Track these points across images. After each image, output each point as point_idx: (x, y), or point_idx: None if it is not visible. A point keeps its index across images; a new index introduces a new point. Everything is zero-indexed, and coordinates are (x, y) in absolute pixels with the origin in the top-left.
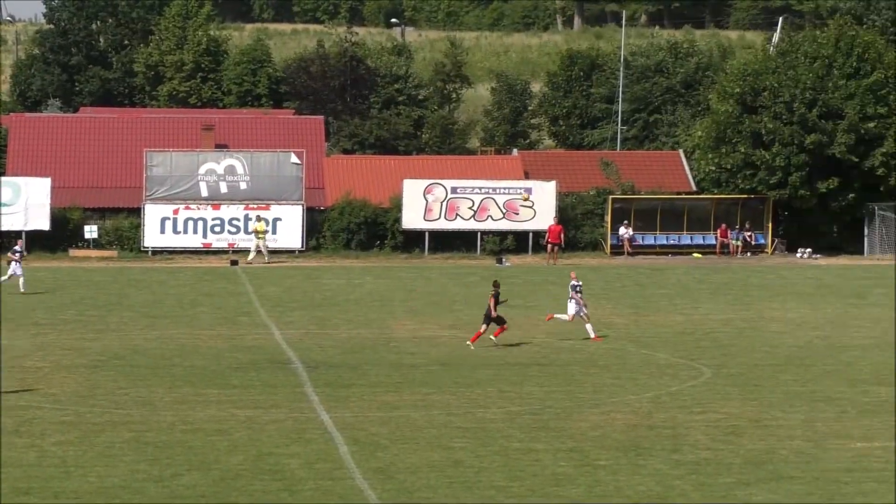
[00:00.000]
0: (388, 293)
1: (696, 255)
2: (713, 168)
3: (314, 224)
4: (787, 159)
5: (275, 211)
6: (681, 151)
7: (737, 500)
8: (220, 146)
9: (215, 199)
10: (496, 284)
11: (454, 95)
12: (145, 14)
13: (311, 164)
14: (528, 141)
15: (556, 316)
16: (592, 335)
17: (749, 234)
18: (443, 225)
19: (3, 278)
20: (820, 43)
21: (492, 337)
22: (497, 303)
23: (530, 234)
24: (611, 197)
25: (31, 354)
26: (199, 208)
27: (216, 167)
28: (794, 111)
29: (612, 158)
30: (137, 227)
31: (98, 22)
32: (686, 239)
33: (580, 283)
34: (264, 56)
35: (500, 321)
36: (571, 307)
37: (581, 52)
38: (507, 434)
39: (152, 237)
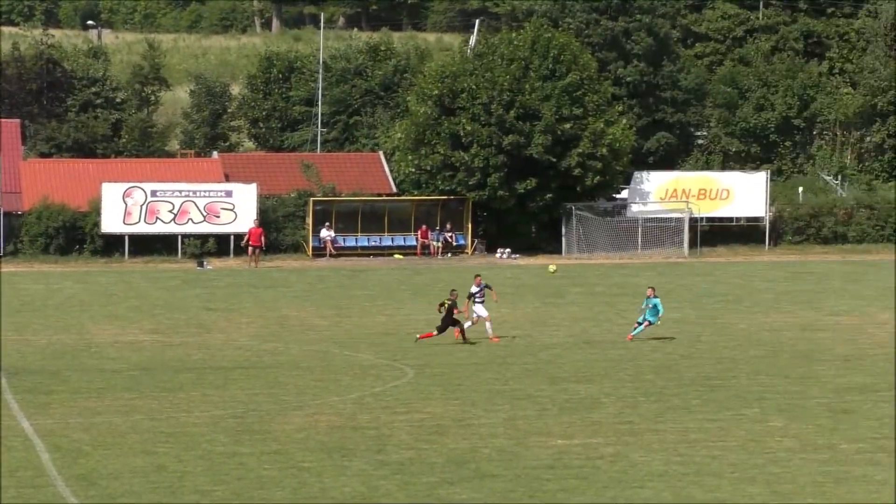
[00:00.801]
0: (88, 298)
1: (397, 256)
2: (413, 170)
3: (12, 229)
4: (486, 160)
5: None
6: (381, 153)
7: (440, 499)
8: None
9: None
10: (453, 293)
11: (153, 98)
12: None
13: (8, 167)
14: (228, 143)
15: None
16: (491, 335)
17: (449, 234)
18: (143, 228)
19: None
20: (516, 45)
21: (461, 339)
22: (451, 310)
23: (231, 237)
24: (312, 199)
25: None
26: None
27: None
28: (492, 113)
29: (313, 160)
30: None
31: None
32: (387, 240)
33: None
34: None
35: (455, 323)
36: (481, 309)
37: (280, 55)
38: (210, 438)
39: None
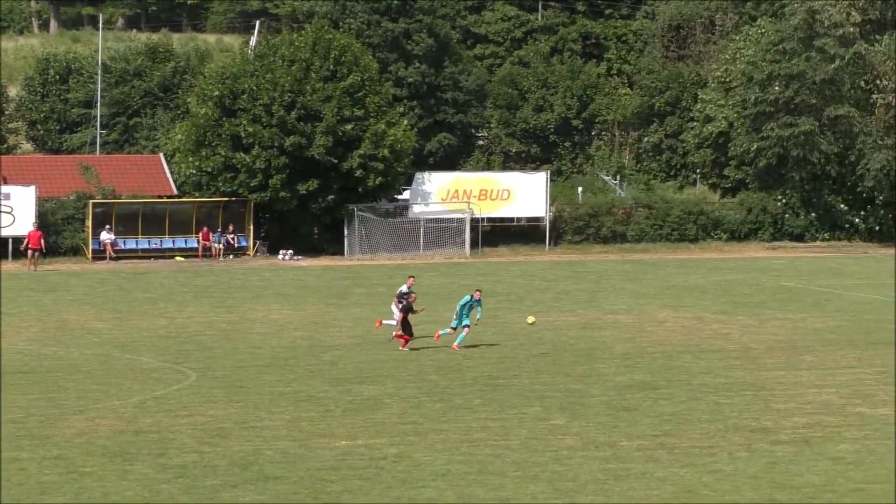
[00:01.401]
0: None
1: (178, 258)
2: (194, 171)
3: None
4: (268, 162)
5: None
6: (161, 155)
7: (223, 501)
8: None
9: None
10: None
11: None
12: None
13: None
14: (5, 146)
15: (384, 322)
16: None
17: (231, 236)
18: None
19: None
20: (297, 46)
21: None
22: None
23: (10, 241)
24: (91, 202)
25: None
26: None
27: None
28: (273, 114)
29: (93, 163)
30: None
31: None
32: (168, 242)
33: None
34: None
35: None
36: (397, 311)
37: (57, 56)
38: None
39: None
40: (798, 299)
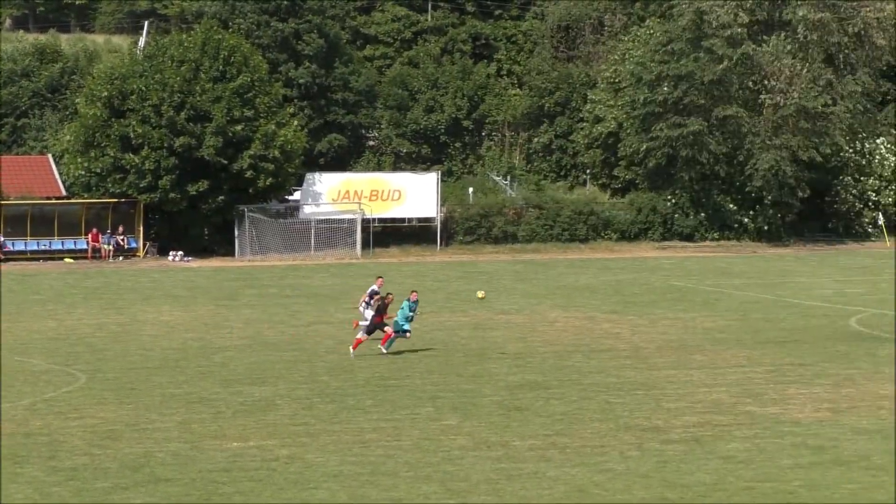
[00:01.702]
0: None
1: (67, 259)
2: (83, 172)
3: None
4: (157, 162)
5: None
6: (49, 156)
7: (115, 503)
8: None
9: None
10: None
11: None
12: None
13: None
14: None
15: (361, 323)
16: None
17: (121, 237)
18: None
19: None
20: (186, 47)
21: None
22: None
23: None
24: None
25: None
26: None
27: None
28: (163, 114)
29: None
30: None
31: None
32: (58, 244)
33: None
34: None
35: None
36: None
37: None
38: None
39: None
40: (688, 299)
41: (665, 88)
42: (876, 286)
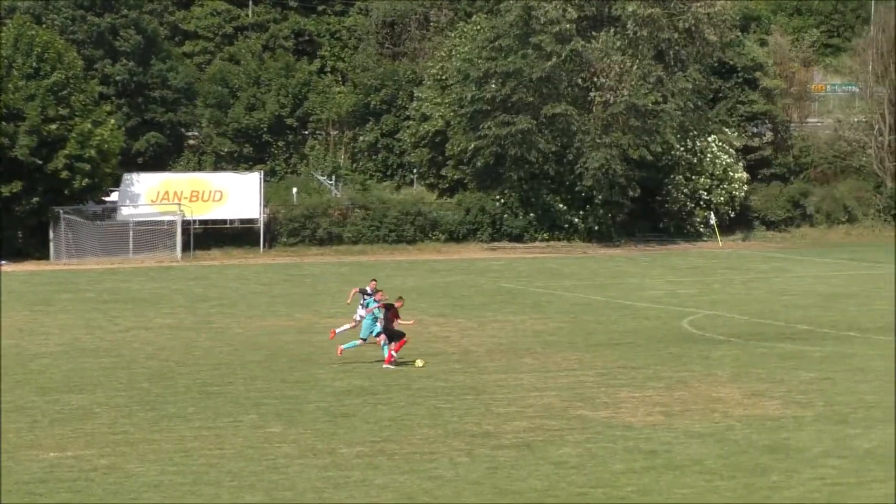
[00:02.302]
0: None
1: None
2: None
3: None
4: None
5: None
6: None
7: None
8: None
9: None
10: (399, 300)
11: None
12: None
13: None
14: None
15: (338, 331)
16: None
17: None
18: None
19: None
20: None
21: (391, 357)
22: (396, 317)
23: None
24: None
25: None
26: None
27: None
28: None
29: None
30: None
31: None
32: None
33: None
34: None
35: (397, 336)
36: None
37: None
38: None
39: None
40: (518, 301)
41: (493, 86)
42: (708, 287)
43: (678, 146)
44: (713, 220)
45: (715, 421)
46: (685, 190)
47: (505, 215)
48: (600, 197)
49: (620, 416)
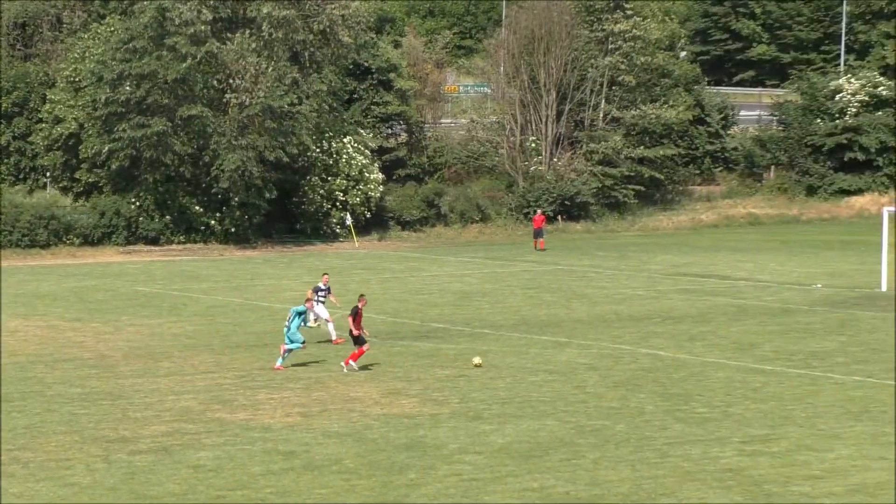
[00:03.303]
0: None
1: None
2: None
3: None
4: None
5: None
6: None
7: None
8: None
9: None
10: (361, 299)
11: None
12: None
13: None
14: None
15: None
16: (334, 337)
17: None
18: None
19: None
20: None
21: (349, 362)
22: (357, 320)
23: None
24: None
25: None
26: None
27: None
28: None
29: None
30: None
31: None
32: None
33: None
34: None
35: (360, 341)
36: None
37: None
38: None
39: None
40: (154, 304)
41: (128, 88)
42: (345, 287)
43: (314, 148)
44: (349, 221)
45: (353, 420)
46: (321, 191)
47: (141, 218)
48: (237, 199)
49: (259, 417)
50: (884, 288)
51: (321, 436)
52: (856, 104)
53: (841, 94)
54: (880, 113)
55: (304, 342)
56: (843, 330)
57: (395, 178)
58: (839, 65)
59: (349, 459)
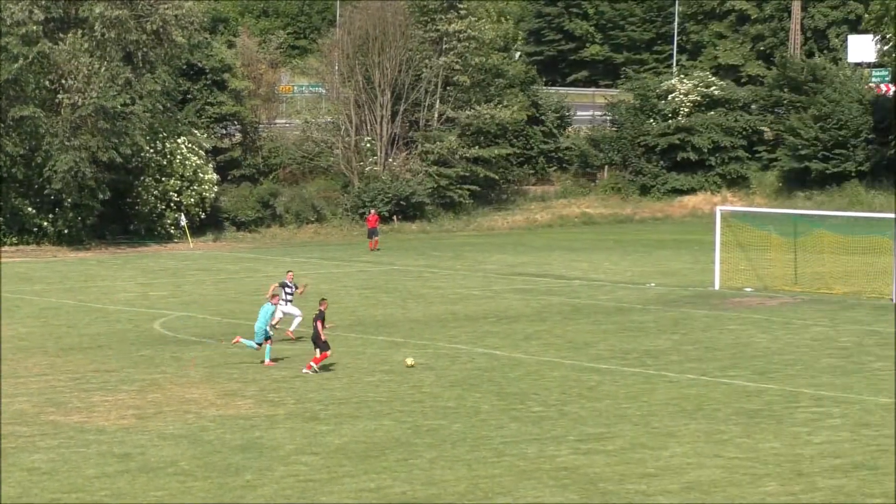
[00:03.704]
0: None
1: None
2: None
3: None
4: None
5: None
6: None
7: None
8: None
9: None
10: (323, 302)
11: None
12: None
13: None
14: None
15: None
16: (292, 328)
17: None
18: None
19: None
20: None
21: (311, 365)
22: (324, 324)
23: None
24: None
25: None
26: None
27: None
28: None
29: None
30: None
31: None
32: None
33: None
34: None
35: (324, 346)
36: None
37: None
38: None
39: None
40: None
41: None
42: (180, 288)
43: (148, 148)
44: (184, 222)
45: (188, 422)
46: (155, 192)
47: None
48: (70, 200)
49: (93, 420)
50: (717, 286)
51: (157, 438)
52: (688, 104)
53: (673, 94)
54: (712, 113)
55: (259, 345)
56: (677, 328)
57: (229, 178)
58: (672, 65)
59: (185, 461)
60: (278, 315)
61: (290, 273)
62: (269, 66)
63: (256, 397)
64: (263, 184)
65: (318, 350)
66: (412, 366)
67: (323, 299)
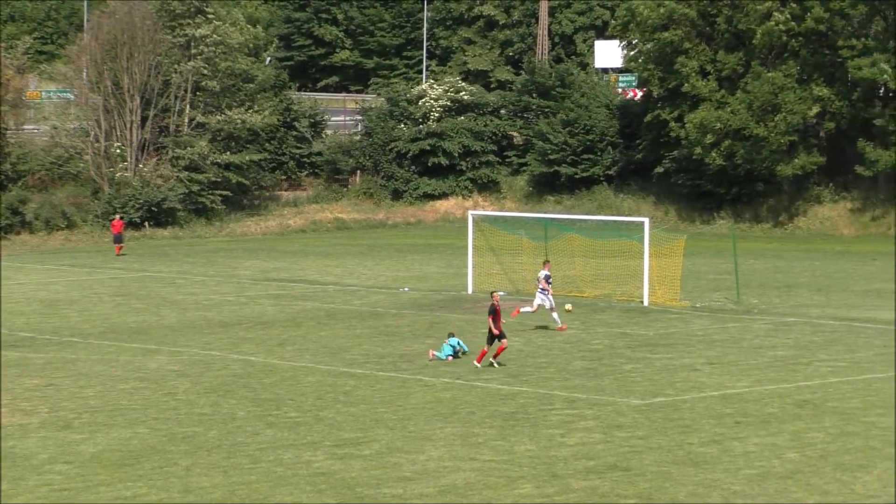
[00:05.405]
0: None
1: None
2: None
3: None
4: None
5: None
6: None
7: None
8: None
9: None
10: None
11: None
12: None
13: None
14: None
15: (521, 310)
16: (559, 324)
17: None
18: None
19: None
20: None
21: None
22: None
23: None
24: None
25: None
26: None
27: None
28: None
29: None
30: None
31: None
32: None
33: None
34: None
35: (500, 337)
36: (538, 298)
37: None
38: None
39: None
40: None
41: None
42: None
43: None
44: None
45: None
46: None
47: None
48: None
49: None
50: (469, 291)
51: None
52: (439, 109)
53: (424, 100)
54: (462, 118)
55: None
56: (431, 332)
57: None
58: (422, 70)
59: None
60: (536, 301)
61: (547, 263)
62: (15, 71)
63: (9, 406)
64: (12, 190)
65: (491, 343)
66: (570, 310)
67: (493, 292)
